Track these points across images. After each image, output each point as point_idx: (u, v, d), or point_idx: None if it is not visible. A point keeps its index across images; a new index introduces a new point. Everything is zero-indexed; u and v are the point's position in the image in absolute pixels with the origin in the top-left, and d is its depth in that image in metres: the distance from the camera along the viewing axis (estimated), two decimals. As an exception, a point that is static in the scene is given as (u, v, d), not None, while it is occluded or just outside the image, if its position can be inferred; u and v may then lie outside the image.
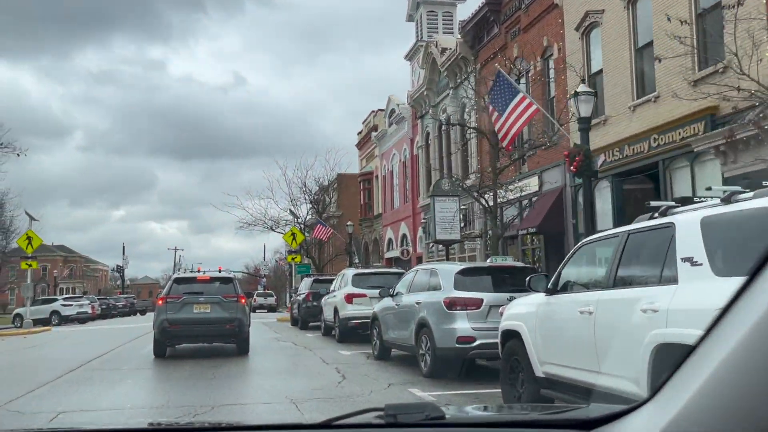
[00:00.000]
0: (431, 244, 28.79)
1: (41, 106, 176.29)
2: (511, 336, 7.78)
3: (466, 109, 26.05)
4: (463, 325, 10.41)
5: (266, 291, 71.69)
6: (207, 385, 10.64)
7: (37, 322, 41.58)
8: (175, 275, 18.27)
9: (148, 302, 76.88)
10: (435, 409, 1.94)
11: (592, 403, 4.78)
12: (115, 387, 10.78)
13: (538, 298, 7.34)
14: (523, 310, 7.67)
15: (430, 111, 32.19)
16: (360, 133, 50.49)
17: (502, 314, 8.50)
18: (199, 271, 17.68)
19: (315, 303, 23.24)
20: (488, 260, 13.52)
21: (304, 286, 25.94)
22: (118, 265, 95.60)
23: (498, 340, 8.27)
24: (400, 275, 15.87)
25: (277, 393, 9.64)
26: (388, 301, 13.62)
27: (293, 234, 35.08)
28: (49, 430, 2.48)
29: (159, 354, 14.94)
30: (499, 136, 17.07)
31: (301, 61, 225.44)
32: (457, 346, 10.38)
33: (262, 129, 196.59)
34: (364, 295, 17.60)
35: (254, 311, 63.39)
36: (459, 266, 11.78)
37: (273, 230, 46.85)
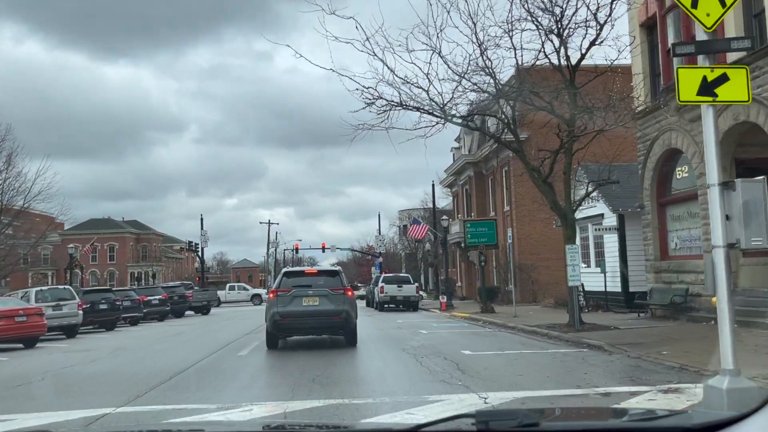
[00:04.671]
0: None
1: (160, 102, 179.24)
2: None
3: None
4: None
5: (399, 275, 41.90)
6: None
7: None
8: (285, 269, 19.27)
9: (212, 293, 46.90)
10: (528, 416, 1.84)
11: (691, 409, 3.94)
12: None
13: None
14: None
15: None
16: None
17: None
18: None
19: None
20: None
21: None
22: (191, 242, 67.73)
23: None
24: None
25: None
26: None
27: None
28: (169, 430, 2.46)
29: (272, 346, 15.78)
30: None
31: (397, 46, 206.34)
32: None
33: (363, 116, 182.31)
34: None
35: (381, 308, 34.20)
36: None
37: (448, 120, 18.54)
